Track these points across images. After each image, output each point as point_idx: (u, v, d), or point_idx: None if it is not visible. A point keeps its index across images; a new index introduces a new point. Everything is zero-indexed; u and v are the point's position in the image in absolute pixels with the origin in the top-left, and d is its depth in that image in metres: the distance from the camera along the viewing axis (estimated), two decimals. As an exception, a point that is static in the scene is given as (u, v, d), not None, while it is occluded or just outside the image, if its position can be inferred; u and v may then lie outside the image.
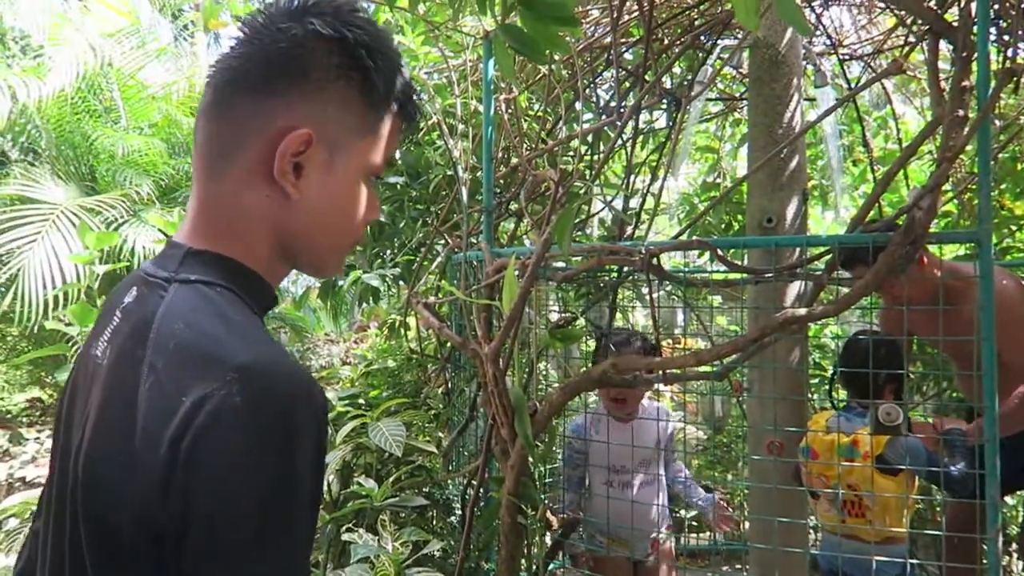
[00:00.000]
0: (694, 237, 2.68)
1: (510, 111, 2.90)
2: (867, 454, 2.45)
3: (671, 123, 3.83)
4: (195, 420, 0.63)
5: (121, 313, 0.78)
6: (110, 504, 0.67)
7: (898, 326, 2.82)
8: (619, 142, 3.50)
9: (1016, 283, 2.62)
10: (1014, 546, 3.77)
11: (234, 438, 0.63)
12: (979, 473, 1.93)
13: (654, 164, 3.84)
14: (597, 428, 2.72)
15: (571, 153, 3.75)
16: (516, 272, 2.20)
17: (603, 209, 3.95)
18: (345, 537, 1.85)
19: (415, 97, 0.88)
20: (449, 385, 3.20)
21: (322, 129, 0.78)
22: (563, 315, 2.24)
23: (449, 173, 3.07)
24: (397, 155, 3.23)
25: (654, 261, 2.08)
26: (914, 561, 2.44)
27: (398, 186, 3.30)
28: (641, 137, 4.17)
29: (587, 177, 3.18)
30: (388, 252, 3.17)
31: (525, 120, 3.20)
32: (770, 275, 2.03)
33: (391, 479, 2.15)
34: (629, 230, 3.63)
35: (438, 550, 1.86)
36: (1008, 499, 3.60)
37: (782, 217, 3.16)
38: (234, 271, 0.78)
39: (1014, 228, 3.98)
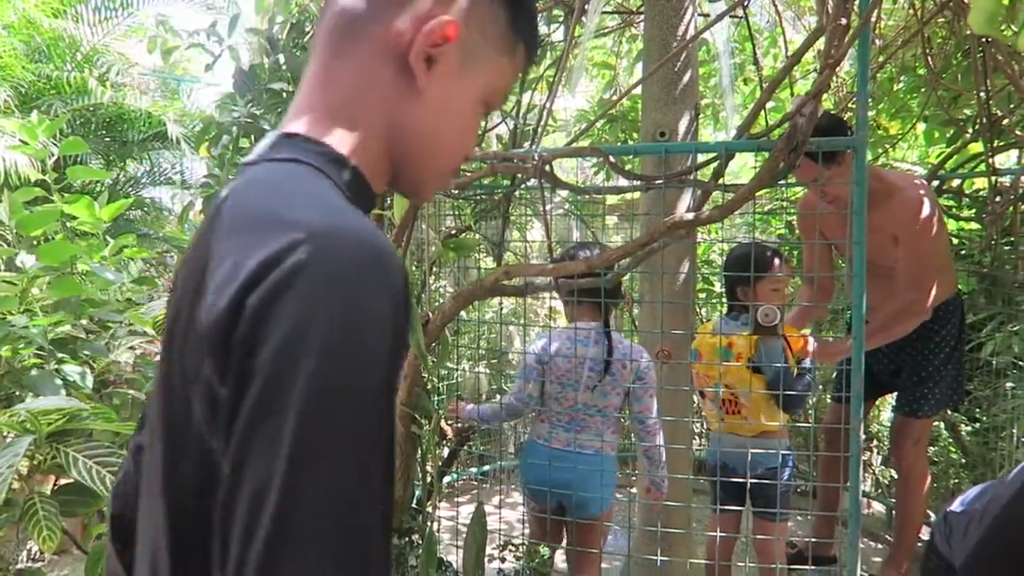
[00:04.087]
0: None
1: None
2: (740, 355, 2.59)
3: (568, 36, 3.77)
4: (259, 282, 0.58)
5: (220, 203, 0.73)
6: (179, 381, 0.64)
7: (812, 230, 2.95)
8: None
9: (919, 195, 2.71)
10: (875, 442, 4.11)
11: (298, 302, 0.57)
12: (846, 369, 2.06)
13: (551, 80, 3.78)
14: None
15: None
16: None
17: (499, 124, 3.90)
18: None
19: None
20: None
21: (466, 29, 0.74)
22: (456, 226, 2.21)
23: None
24: (281, 60, 3.06)
25: (547, 168, 2.06)
26: (787, 452, 2.61)
27: (284, 93, 3.13)
28: (539, 51, 4.10)
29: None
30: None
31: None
32: (660, 182, 2.05)
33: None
34: (526, 145, 3.59)
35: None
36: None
37: (675, 131, 3.21)
38: (329, 157, 0.71)
39: (888, 147, 4.19)
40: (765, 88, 1.99)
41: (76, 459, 1.25)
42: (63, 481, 2.03)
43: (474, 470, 4.16)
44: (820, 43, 2.09)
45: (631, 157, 4.73)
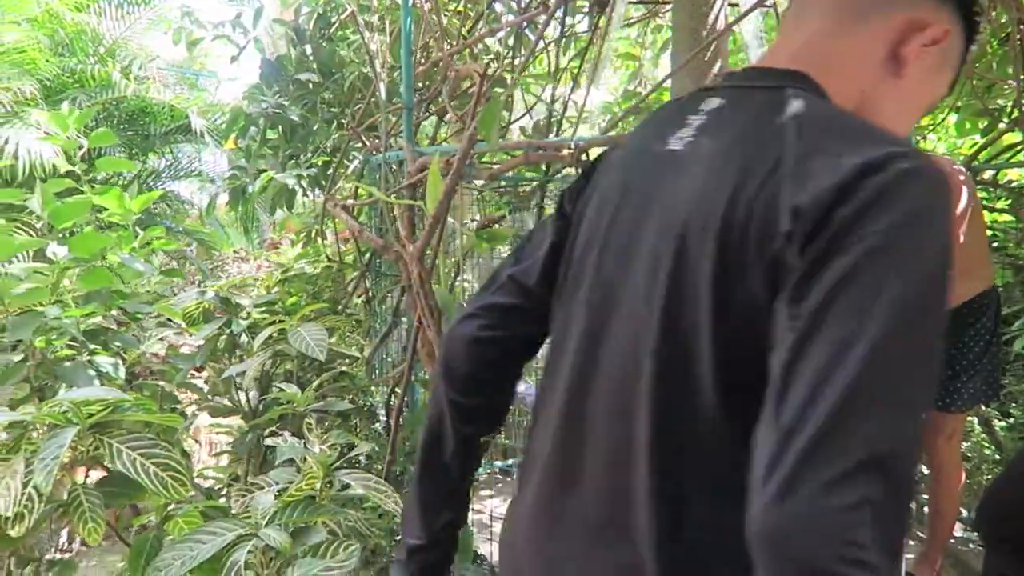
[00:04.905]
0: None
1: (429, 4, 2.75)
2: None
3: (592, 27, 3.73)
4: (866, 176, 0.65)
5: (706, 115, 0.83)
6: (736, 252, 0.70)
7: None
8: (541, 44, 3.40)
9: (958, 179, 2.63)
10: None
11: (910, 198, 0.65)
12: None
13: (576, 71, 3.74)
14: None
15: (491, 56, 3.61)
16: (440, 170, 2.12)
17: (524, 115, 3.86)
18: (268, 442, 1.79)
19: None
20: (370, 293, 3.12)
21: (949, 40, 0.85)
22: (488, 216, 2.18)
23: (365, 71, 2.91)
24: (308, 51, 3.04)
25: (583, 158, 2.03)
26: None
27: (310, 84, 3.12)
28: (563, 42, 4.06)
29: (509, 80, 3.07)
30: (302, 156, 3.01)
31: (445, 15, 3.05)
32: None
33: (314, 384, 2.08)
34: (551, 138, 3.56)
35: (364, 455, 1.83)
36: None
37: (704, 122, 3.17)
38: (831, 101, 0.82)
39: (919, 138, 4.12)
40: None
41: (120, 451, 1.23)
42: (94, 473, 2.02)
43: (499, 463, 4.14)
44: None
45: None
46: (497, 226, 2.26)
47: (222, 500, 2.35)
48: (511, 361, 1.02)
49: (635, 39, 4.69)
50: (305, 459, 1.64)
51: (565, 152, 2.01)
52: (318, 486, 1.64)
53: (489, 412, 1.05)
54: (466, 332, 1.01)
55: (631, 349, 0.78)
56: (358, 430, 2.74)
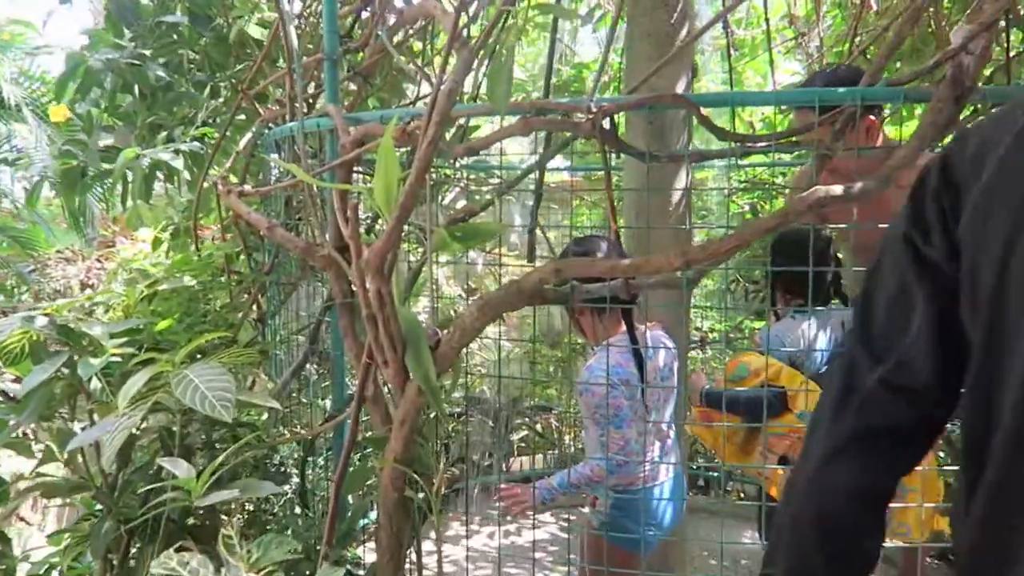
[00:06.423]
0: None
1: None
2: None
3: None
4: None
5: None
6: None
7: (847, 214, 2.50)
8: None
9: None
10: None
11: None
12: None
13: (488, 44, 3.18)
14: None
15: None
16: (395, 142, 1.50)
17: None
18: (159, 571, 1.09)
19: None
20: (263, 309, 2.40)
21: None
22: (463, 207, 1.58)
23: (262, 16, 2.19)
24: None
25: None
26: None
27: (174, 35, 2.34)
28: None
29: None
30: (173, 127, 2.23)
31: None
32: (764, 146, 1.52)
33: (219, 460, 1.37)
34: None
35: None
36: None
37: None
38: None
39: None
40: (902, 23, 1.49)
41: None
42: None
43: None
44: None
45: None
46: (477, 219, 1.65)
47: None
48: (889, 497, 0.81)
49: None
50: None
51: (583, 118, 1.43)
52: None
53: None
54: (846, 483, 0.76)
55: None
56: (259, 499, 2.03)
